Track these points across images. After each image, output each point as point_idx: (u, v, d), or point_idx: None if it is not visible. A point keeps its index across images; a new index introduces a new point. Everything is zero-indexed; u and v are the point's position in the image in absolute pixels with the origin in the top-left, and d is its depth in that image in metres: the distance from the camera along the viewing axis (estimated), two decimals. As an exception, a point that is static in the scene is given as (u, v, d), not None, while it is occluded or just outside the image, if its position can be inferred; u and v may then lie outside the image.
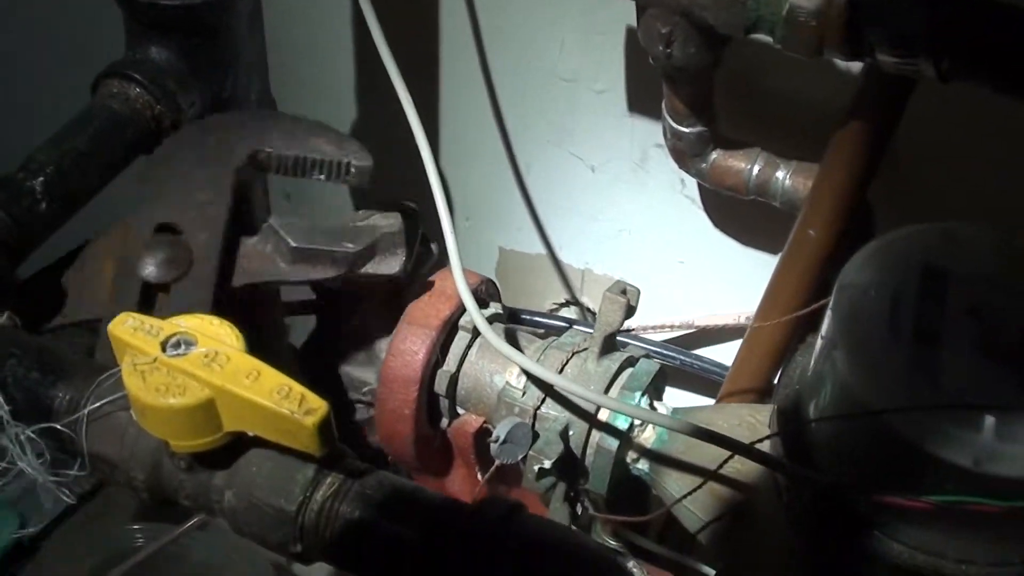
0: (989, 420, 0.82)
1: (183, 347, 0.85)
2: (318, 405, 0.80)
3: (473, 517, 0.86)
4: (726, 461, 1.04)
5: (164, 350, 0.85)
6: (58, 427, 0.95)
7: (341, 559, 0.89)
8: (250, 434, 0.85)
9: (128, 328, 0.86)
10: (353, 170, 1.20)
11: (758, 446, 1.00)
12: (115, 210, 1.24)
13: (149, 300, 1.11)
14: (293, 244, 1.17)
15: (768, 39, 1.13)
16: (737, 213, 1.51)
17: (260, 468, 0.88)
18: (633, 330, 1.54)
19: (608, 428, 1.16)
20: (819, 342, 0.94)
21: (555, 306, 1.76)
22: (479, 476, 1.27)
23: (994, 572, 0.88)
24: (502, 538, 0.85)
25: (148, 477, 0.92)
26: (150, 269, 1.10)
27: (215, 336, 0.86)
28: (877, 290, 0.93)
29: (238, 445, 0.88)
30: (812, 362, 0.96)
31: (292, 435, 0.81)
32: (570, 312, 1.76)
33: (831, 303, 0.94)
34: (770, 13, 1.10)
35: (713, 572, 1.20)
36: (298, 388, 0.81)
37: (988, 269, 0.94)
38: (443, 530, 0.86)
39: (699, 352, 1.57)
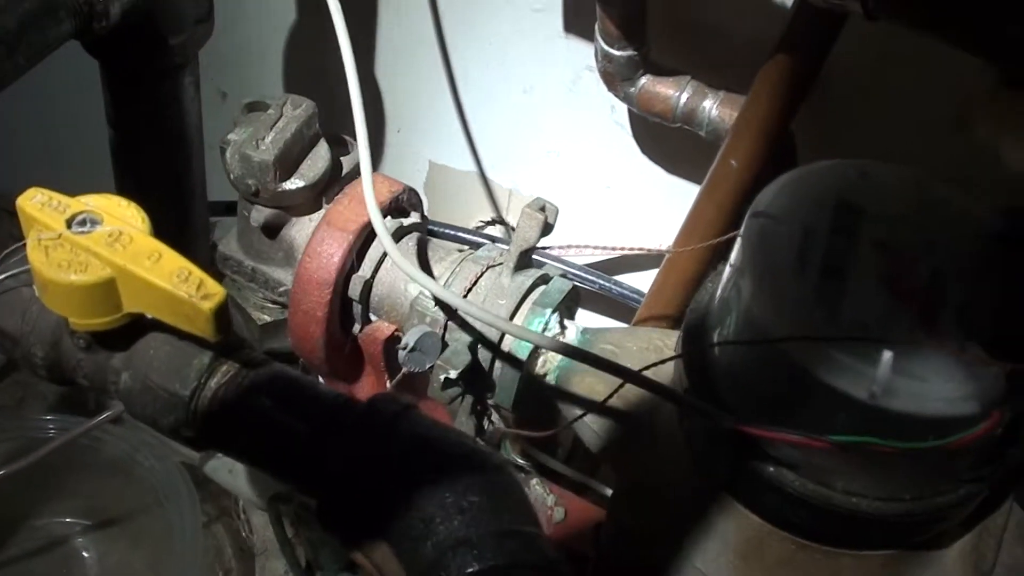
0: (887, 354, 0.81)
1: (88, 225, 0.83)
2: (216, 291, 0.78)
3: (364, 414, 0.84)
4: (620, 387, 1.02)
5: (69, 227, 0.83)
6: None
7: (231, 447, 0.87)
8: (149, 316, 0.83)
9: (36, 203, 0.84)
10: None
11: (662, 367, 0.99)
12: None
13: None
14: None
15: (702, -35, 1.09)
16: (664, 141, 1.50)
17: (157, 351, 0.86)
18: (552, 248, 1.51)
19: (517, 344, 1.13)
20: (727, 269, 0.93)
21: (481, 224, 1.75)
22: (387, 384, 1.24)
23: (882, 506, 0.88)
24: (390, 435, 0.82)
25: (47, 354, 0.90)
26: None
27: (121, 217, 0.83)
28: (788, 220, 0.91)
29: (137, 327, 0.85)
30: (719, 288, 0.95)
31: (189, 319, 0.80)
32: (495, 230, 1.74)
33: (742, 230, 0.92)
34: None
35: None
36: (197, 273, 0.79)
37: (900, 208, 0.93)
38: (333, 425, 0.83)
39: (618, 278, 1.56)
